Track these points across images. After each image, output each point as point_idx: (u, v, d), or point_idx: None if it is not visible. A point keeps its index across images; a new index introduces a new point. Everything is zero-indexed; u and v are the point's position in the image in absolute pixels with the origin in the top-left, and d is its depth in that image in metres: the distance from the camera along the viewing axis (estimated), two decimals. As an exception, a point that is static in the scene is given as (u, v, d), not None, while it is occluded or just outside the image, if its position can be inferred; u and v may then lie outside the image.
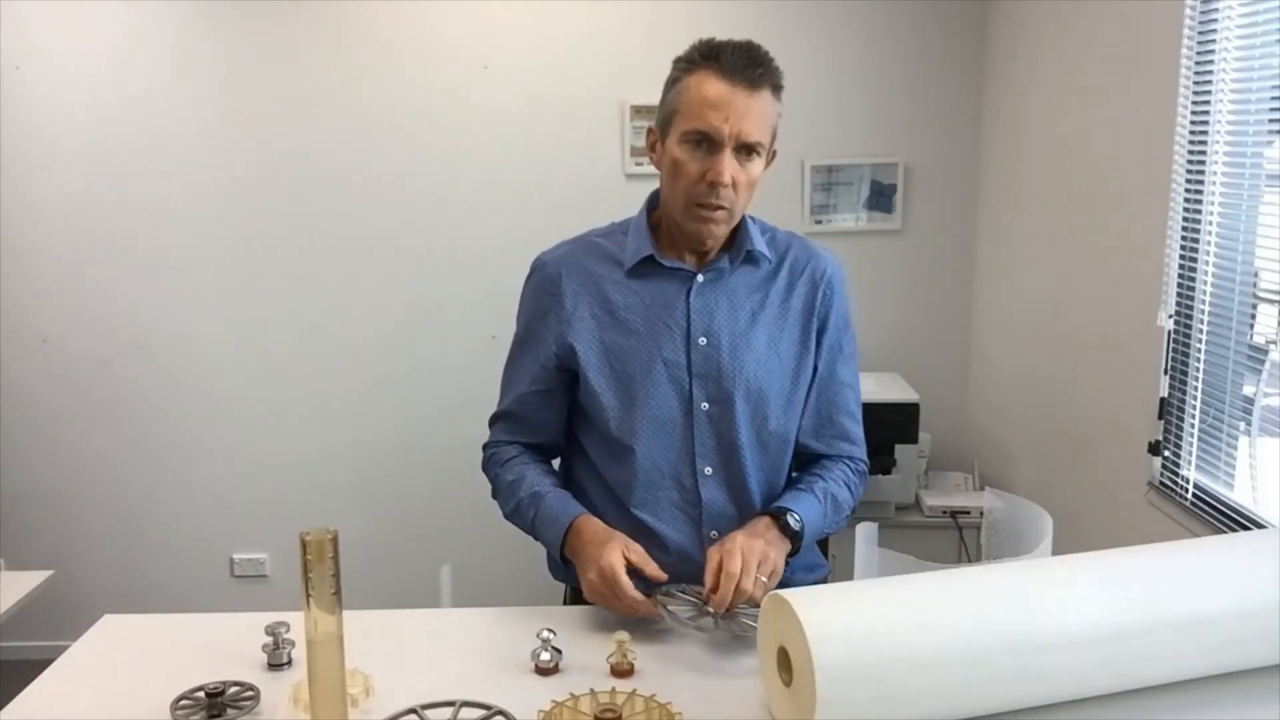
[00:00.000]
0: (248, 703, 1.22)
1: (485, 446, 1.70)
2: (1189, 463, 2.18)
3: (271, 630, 1.31)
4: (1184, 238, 2.17)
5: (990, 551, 1.66)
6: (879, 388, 3.08)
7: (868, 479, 1.70)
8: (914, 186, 3.39)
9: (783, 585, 1.55)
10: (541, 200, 3.33)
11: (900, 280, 3.44)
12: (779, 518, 1.49)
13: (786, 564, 1.48)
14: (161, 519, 3.50)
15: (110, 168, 3.30)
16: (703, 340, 1.55)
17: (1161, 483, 2.25)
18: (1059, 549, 1.31)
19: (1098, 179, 2.56)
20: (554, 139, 3.33)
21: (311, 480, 3.49)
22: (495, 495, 1.65)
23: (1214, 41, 2.07)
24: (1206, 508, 2.08)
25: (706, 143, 1.45)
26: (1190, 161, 2.15)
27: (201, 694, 1.21)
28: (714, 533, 1.56)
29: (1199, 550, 1.25)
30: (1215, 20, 2.07)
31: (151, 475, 3.48)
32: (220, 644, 1.37)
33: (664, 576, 1.42)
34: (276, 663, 1.31)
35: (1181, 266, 2.18)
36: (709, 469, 1.56)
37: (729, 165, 1.44)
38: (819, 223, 3.39)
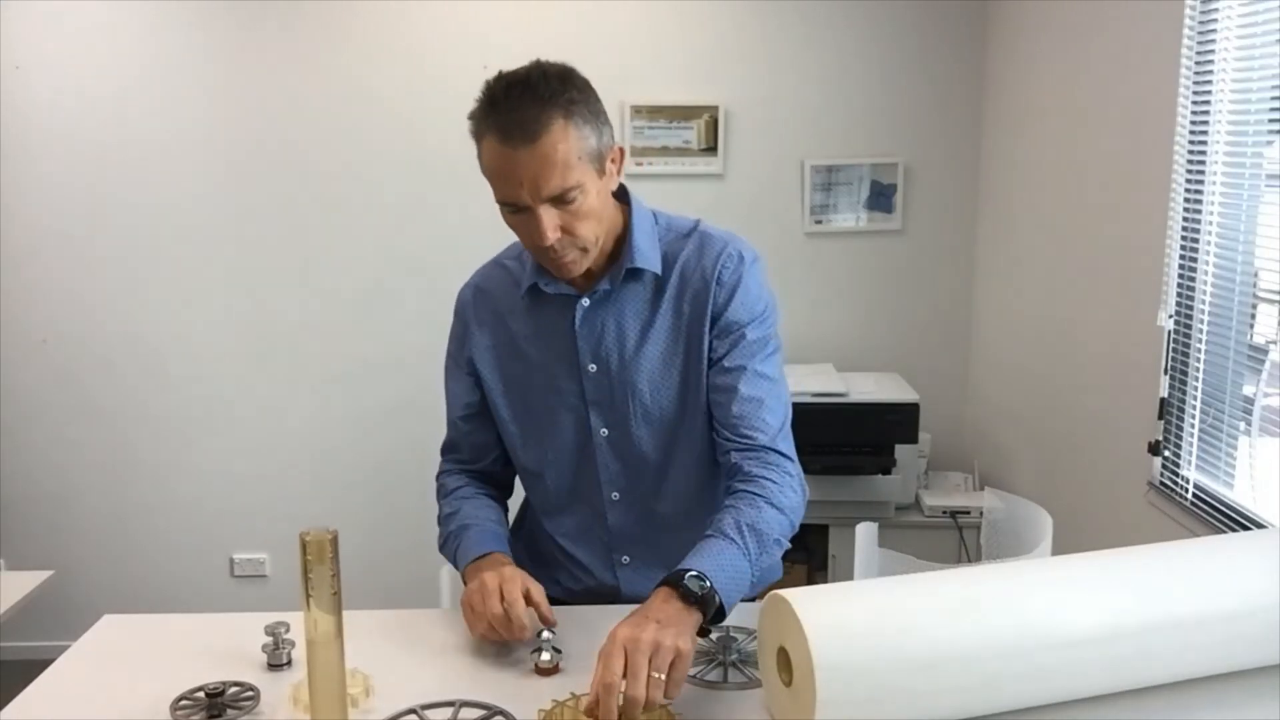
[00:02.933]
0: (248, 703, 1.22)
1: (437, 477, 1.66)
2: (1189, 463, 2.18)
3: (271, 630, 1.31)
4: (1184, 238, 2.17)
5: (990, 551, 1.66)
6: (879, 388, 3.08)
7: (805, 482, 1.46)
8: (914, 186, 3.39)
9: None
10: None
11: (900, 280, 3.44)
12: (677, 585, 1.22)
13: (717, 620, 1.26)
14: (161, 519, 3.50)
15: (110, 167, 3.30)
16: (592, 367, 1.49)
17: (1161, 483, 2.25)
18: (1059, 549, 1.32)
19: (1098, 179, 2.56)
20: (554, 139, 3.32)
21: (311, 480, 3.49)
22: (438, 525, 1.61)
23: (1214, 41, 2.07)
24: (1206, 508, 2.08)
25: (518, 208, 1.33)
26: (1190, 161, 2.15)
27: (201, 694, 1.21)
28: (625, 558, 1.55)
29: (1199, 550, 1.25)
30: (1215, 20, 2.07)
31: (151, 475, 3.48)
32: (220, 644, 1.37)
33: (551, 619, 1.33)
34: (276, 663, 1.31)
35: (1181, 266, 2.18)
36: (616, 494, 1.53)
37: (549, 223, 1.32)
38: (819, 223, 3.39)
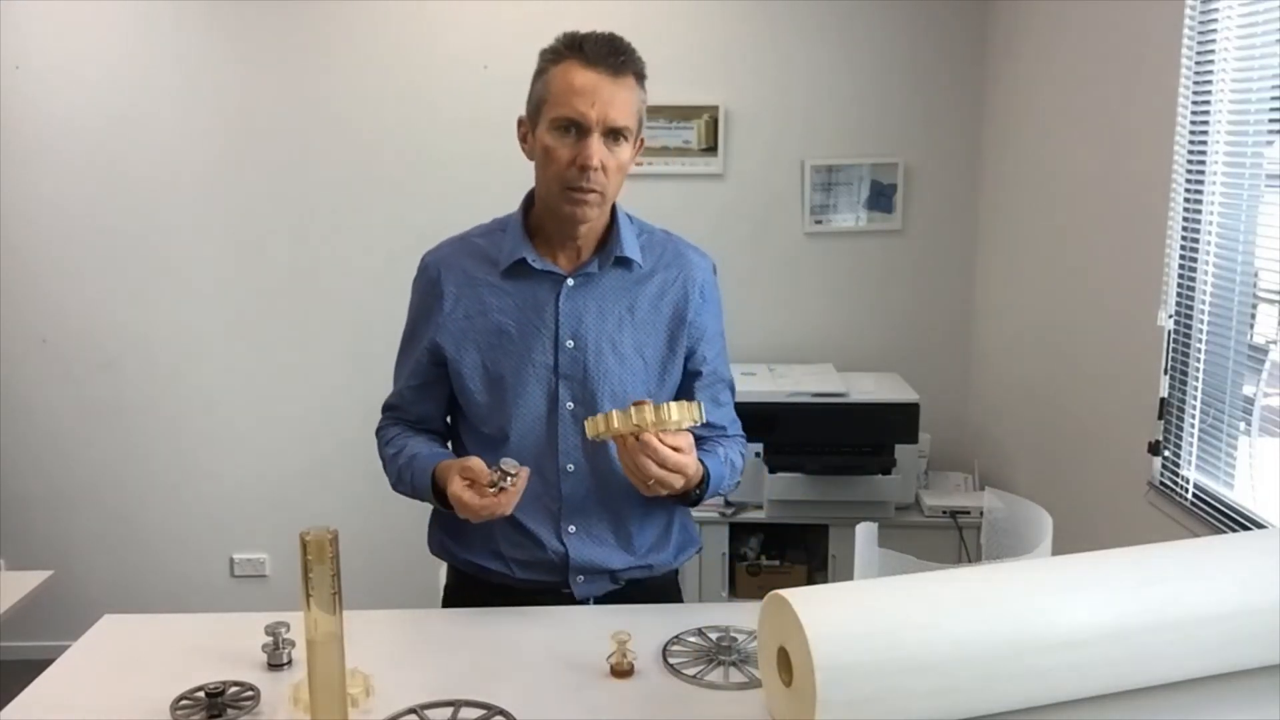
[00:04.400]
0: (248, 703, 1.22)
1: (376, 431, 1.75)
2: (1189, 463, 2.18)
3: (271, 630, 1.32)
4: (1184, 238, 2.17)
5: (990, 551, 1.65)
6: (879, 388, 3.08)
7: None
8: (914, 186, 3.39)
9: (661, 575, 1.73)
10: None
11: (900, 280, 3.44)
12: (702, 482, 1.57)
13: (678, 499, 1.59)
14: (161, 519, 3.50)
15: (110, 168, 3.30)
16: (570, 343, 1.60)
17: (1161, 483, 2.25)
18: (1059, 549, 1.31)
19: (1098, 179, 2.56)
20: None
21: (311, 480, 3.49)
22: (385, 472, 1.69)
23: (1214, 41, 2.07)
24: (1206, 508, 2.08)
25: (575, 129, 1.50)
26: (1190, 161, 2.15)
27: (201, 694, 1.21)
28: (571, 527, 1.63)
29: (1199, 550, 1.25)
30: (1215, 20, 2.07)
31: (152, 475, 3.48)
32: (220, 644, 1.37)
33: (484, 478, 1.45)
34: (276, 663, 1.32)
35: (1181, 266, 2.18)
36: (571, 466, 1.62)
37: (598, 150, 1.49)
38: (819, 223, 3.39)
